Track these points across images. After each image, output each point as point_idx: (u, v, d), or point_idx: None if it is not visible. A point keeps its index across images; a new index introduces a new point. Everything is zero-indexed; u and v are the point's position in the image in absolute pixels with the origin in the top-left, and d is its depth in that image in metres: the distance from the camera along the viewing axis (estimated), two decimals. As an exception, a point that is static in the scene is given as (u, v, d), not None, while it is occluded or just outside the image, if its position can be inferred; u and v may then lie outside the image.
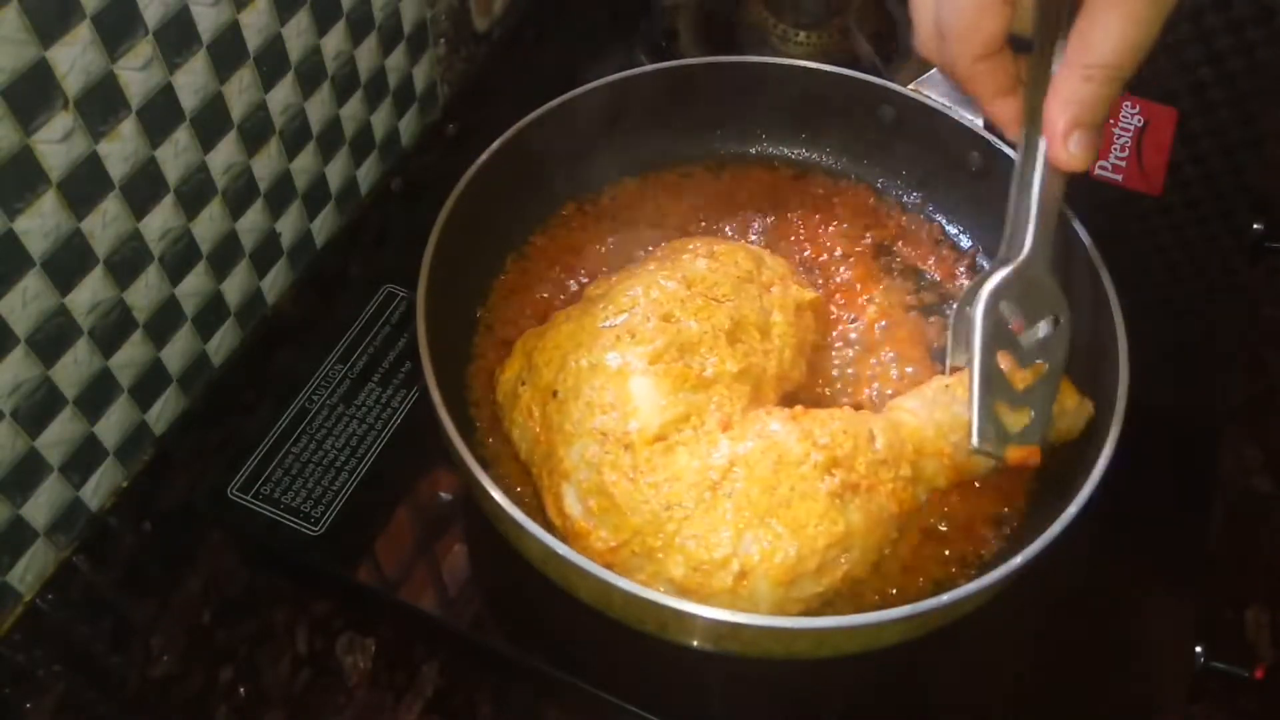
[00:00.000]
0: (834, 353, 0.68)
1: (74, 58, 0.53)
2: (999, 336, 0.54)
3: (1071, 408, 0.58)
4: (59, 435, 0.61)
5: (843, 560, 0.53)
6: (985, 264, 0.73)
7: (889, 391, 0.66)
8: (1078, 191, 0.59)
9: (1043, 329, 0.55)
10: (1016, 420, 0.54)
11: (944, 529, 0.61)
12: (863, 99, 0.74)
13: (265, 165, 0.70)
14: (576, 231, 0.74)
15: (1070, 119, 0.48)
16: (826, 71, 0.74)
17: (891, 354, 0.68)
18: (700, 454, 0.54)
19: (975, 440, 0.53)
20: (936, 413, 0.59)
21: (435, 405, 0.55)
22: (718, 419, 0.56)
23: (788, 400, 0.61)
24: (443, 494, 0.66)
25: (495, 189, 0.67)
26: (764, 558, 0.52)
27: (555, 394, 0.57)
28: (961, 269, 0.73)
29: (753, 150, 0.79)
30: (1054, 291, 0.55)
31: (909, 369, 0.68)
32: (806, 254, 0.74)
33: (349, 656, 0.61)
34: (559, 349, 0.59)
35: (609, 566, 0.53)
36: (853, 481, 0.54)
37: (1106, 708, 0.59)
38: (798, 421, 0.57)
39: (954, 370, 0.58)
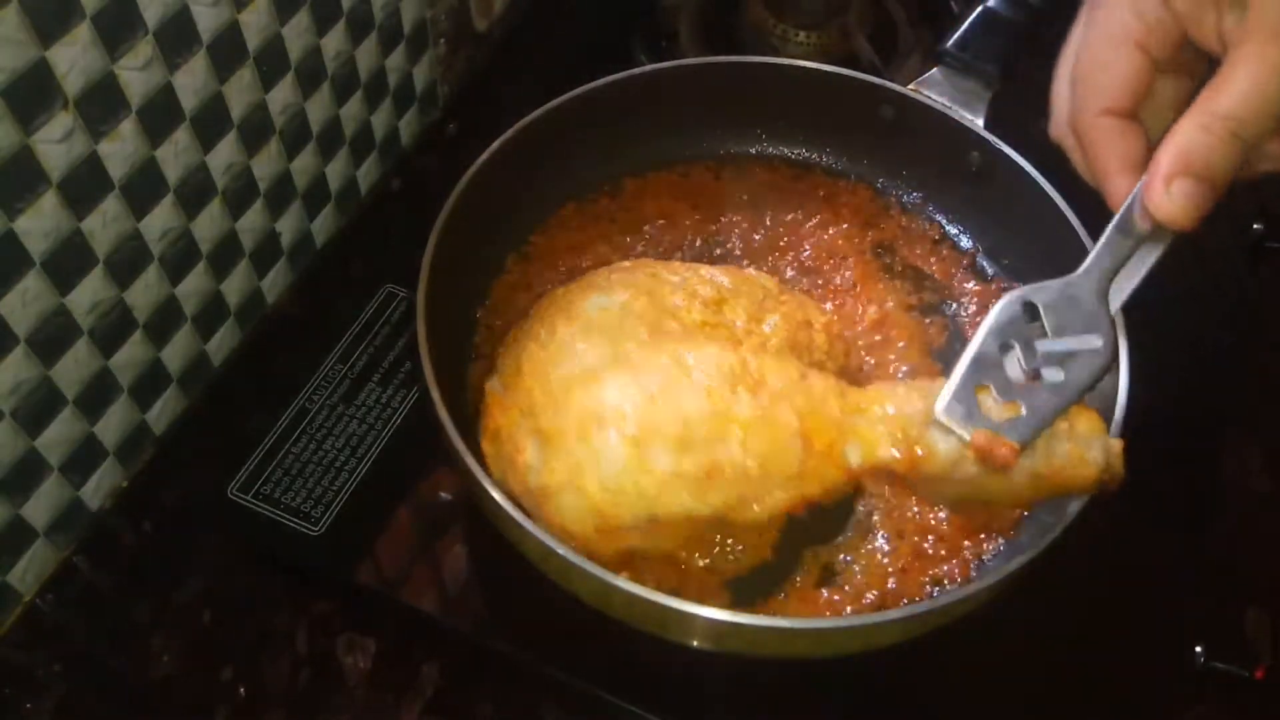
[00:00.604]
0: (834, 353, 0.68)
1: (74, 58, 0.53)
2: (1013, 332, 0.51)
3: (1083, 432, 0.51)
4: (59, 435, 0.61)
5: (714, 447, 0.49)
6: (985, 264, 0.73)
7: (889, 391, 0.66)
8: (1078, 193, 0.59)
9: (1072, 344, 0.51)
10: (1002, 413, 0.50)
11: (944, 529, 0.61)
12: (863, 99, 0.74)
13: (265, 165, 0.70)
14: (576, 231, 0.74)
15: (1177, 164, 0.44)
16: (826, 71, 0.74)
17: (891, 354, 0.68)
18: (614, 336, 0.53)
19: (939, 407, 0.50)
20: (904, 387, 0.53)
21: (435, 405, 0.55)
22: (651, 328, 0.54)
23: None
24: (443, 494, 0.66)
25: (495, 189, 0.67)
26: (623, 408, 0.49)
27: (528, 317, 0.59)
28: (961, 269, 0.73)
29: (753, 150, 0.79)
30: (1097, 314, 0.51)
31: (908, 369, 0.68)
32: (806, 254, 0.74)
33: (349, 656, 0.61)
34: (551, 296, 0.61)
35: (496, 432, 0.53)
36: (753, 382, 0.51)
37: (1106, 708, 0.59)
38: (735, 346, 0.53)
39: None
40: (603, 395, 0.51)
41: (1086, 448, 0.50)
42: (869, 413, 0.52)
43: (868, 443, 0.51)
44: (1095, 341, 0.51)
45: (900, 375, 0.67)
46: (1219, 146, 0.44)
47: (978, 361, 0.51)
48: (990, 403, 0.50)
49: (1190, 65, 0.49)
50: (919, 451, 0.50)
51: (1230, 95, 0.44)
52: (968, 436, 0.49)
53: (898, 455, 0.51)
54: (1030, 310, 0.52)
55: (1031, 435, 0.50)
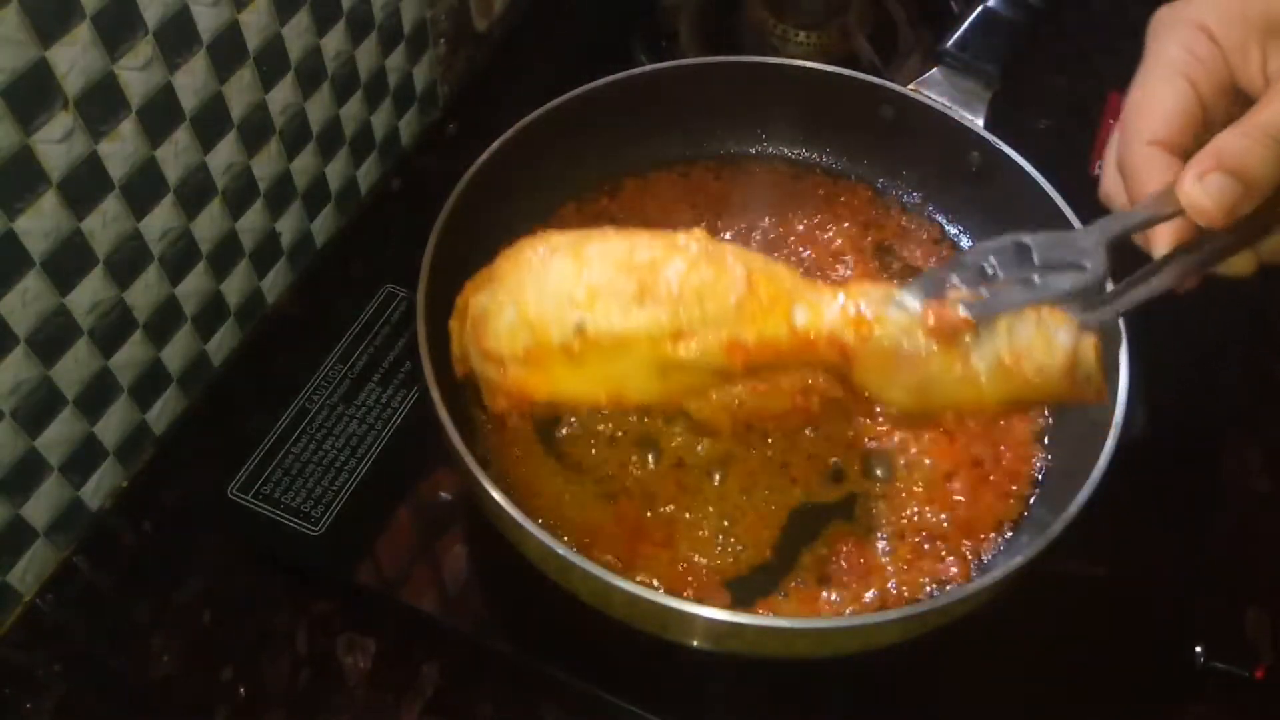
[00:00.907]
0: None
1: (74, 58, 0.53)
2: (995, 251, 0.49)
3: (1051, 321, 0.47)
4: (59, 435, 0.61)
5: (653, 271, 0.49)
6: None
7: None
8: (1078, 192, 0.59)
9: (1057, 262, 0.49)
10: (964, 298, 0.48)
11: (944, 529, 0.61)
12: (863, 99, 0.74)
13: (265, 165, 0.70)
14: (576, 231, 0.74)
15: (1211, 160, 0.45)
16: (826, 71, 0.74)
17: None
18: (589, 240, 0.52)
19: (902, 289, 0.48)
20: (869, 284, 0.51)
21: (435, 405, 0.55)
22: None
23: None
24: (443, 494, 0.66)
25: (495, 189, 0.67)
26: (573, 240, 0.50)
27: None
28: (961, 269, 0.73)
29: (753, 150, 0.79)
30: (1091, 250, 0.48)
31: (909, 369, 0.68)
32: (806, 254, 0.74)
33: (349, 656, 0.61)
34: None
35: (463, 307, 0.53)
36: (709, 241, 0.51)
37: (1107, 708, 0.59)
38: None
39: None
40: (559, 235, 0.51)
41: (1054, 333, 0.47)
42: (824, 292, 0.50)
43: (816, 308, 0.49)
44: (1083, 263, 0.49)
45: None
46: (1255, 148, 0.45)
47: (951, 264, 0.49)
48: (954, 290, 0.48)
49: None
50: (868, 320, 0.48)
51: (1269, 111, 0.45)
52: (918, 309, 0.47)
53: (843, 320, 0.48)
54: (1022, 251, 0.50)
55: (987, 313, 0.47)
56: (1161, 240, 0.49)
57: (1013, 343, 0.47)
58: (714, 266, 0.49)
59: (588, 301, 0.48)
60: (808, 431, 0.64)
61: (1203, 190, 0.45)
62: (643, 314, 0.48)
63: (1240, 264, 0.50)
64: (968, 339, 0.47)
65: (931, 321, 0.47)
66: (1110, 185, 0.53)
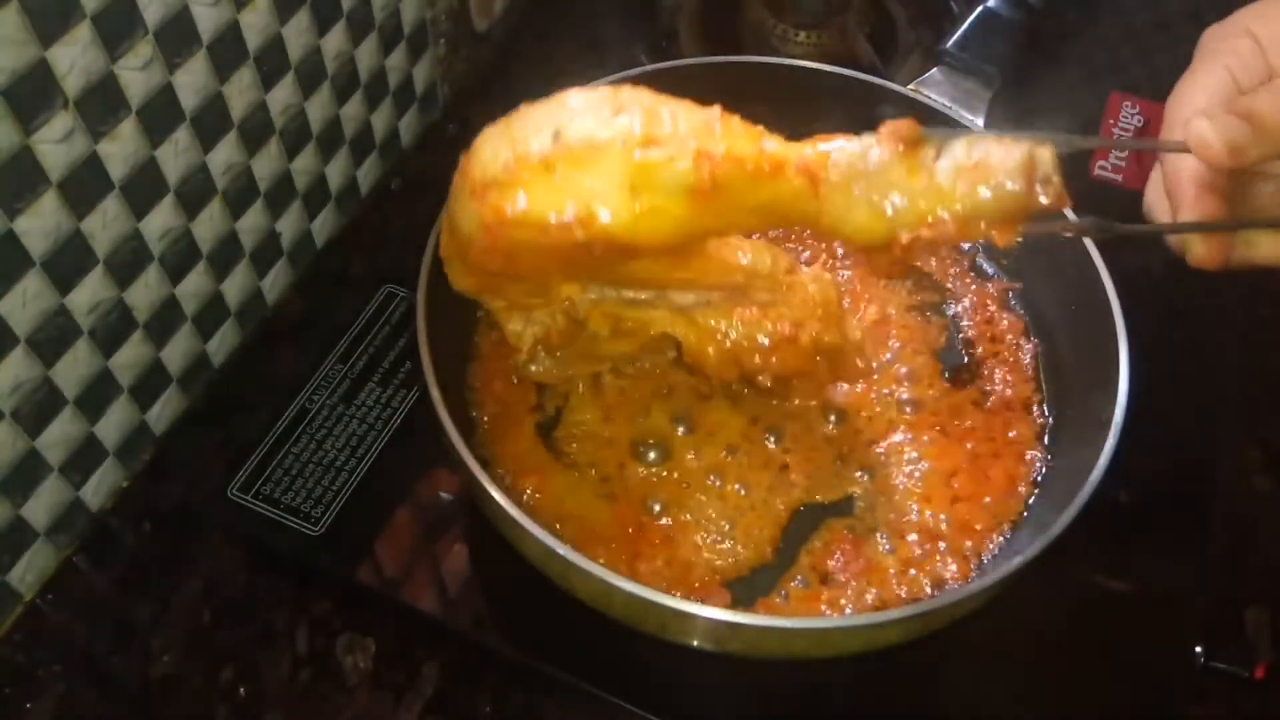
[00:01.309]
0: (834, 353, 0.68)
1: (74, 58, 0.53)
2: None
3: (1015, 141, 0.48)
4: (59, 435, 0.61)
5: (632, 98, 0.52)
6: (985, 264, 0.73)
7: (886, 392, 0.66)
8: (1078, 193, 0.59)
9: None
10: None
11: (944, 529, 0.61)
12: (863, 99, 0.74)
13: (265, 165, 0.70)
14: (576, 231, 0.74)
15: (1224, 106, 0.47)
16: (826, 71, 0.74)
17: (890, 354, 0.68)
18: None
19: None
20: None
21: (435, 405, 0.55)
22: None
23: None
24: (443, 494, 0.66)
25: (495, 189, 0.67)
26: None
27: None
28: (961, 269, 0.73)
29: (753, 150, 0.79)
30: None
31: (908, 369, 0.68)
32: (806, 256, 0.74)
33: (349, 656, 0.61)
34: None
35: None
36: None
37: (1106, 708, 0.59)
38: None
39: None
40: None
41: (1011, 144, 0.48)
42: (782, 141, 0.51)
43: (784, 143, 0.51)
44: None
45: (900, 375, 0.67)
46: (1271, 101, 0.46)
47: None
48: None
49: None
50: (831, 151, 0.49)
51: None
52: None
53: (811, 151, 0.50)
54: None
55: (946, 135, 0.48)
56: (1187, 203, 0.49)
57: (971, 151, 0.48)
58: (688, 105, 0.52)
59: (568, 119, 0.51)
60: (802, 400, 0.64)
61: (1211, 126, 0.46)
62: (618, 121, 0.50)
63: (1275, 252, 0.50)
64: (929, 154, 0.48)
65: (885, 131, 0.48)
66: (1153, 197, 0.53)
